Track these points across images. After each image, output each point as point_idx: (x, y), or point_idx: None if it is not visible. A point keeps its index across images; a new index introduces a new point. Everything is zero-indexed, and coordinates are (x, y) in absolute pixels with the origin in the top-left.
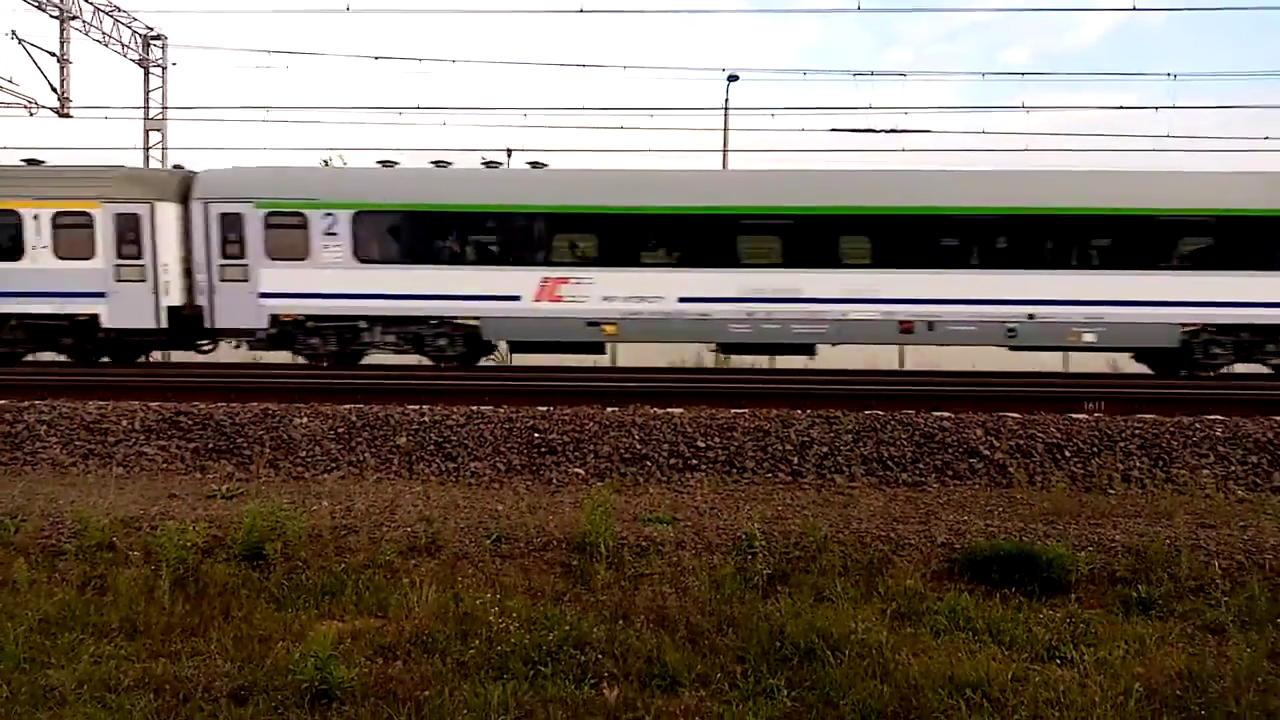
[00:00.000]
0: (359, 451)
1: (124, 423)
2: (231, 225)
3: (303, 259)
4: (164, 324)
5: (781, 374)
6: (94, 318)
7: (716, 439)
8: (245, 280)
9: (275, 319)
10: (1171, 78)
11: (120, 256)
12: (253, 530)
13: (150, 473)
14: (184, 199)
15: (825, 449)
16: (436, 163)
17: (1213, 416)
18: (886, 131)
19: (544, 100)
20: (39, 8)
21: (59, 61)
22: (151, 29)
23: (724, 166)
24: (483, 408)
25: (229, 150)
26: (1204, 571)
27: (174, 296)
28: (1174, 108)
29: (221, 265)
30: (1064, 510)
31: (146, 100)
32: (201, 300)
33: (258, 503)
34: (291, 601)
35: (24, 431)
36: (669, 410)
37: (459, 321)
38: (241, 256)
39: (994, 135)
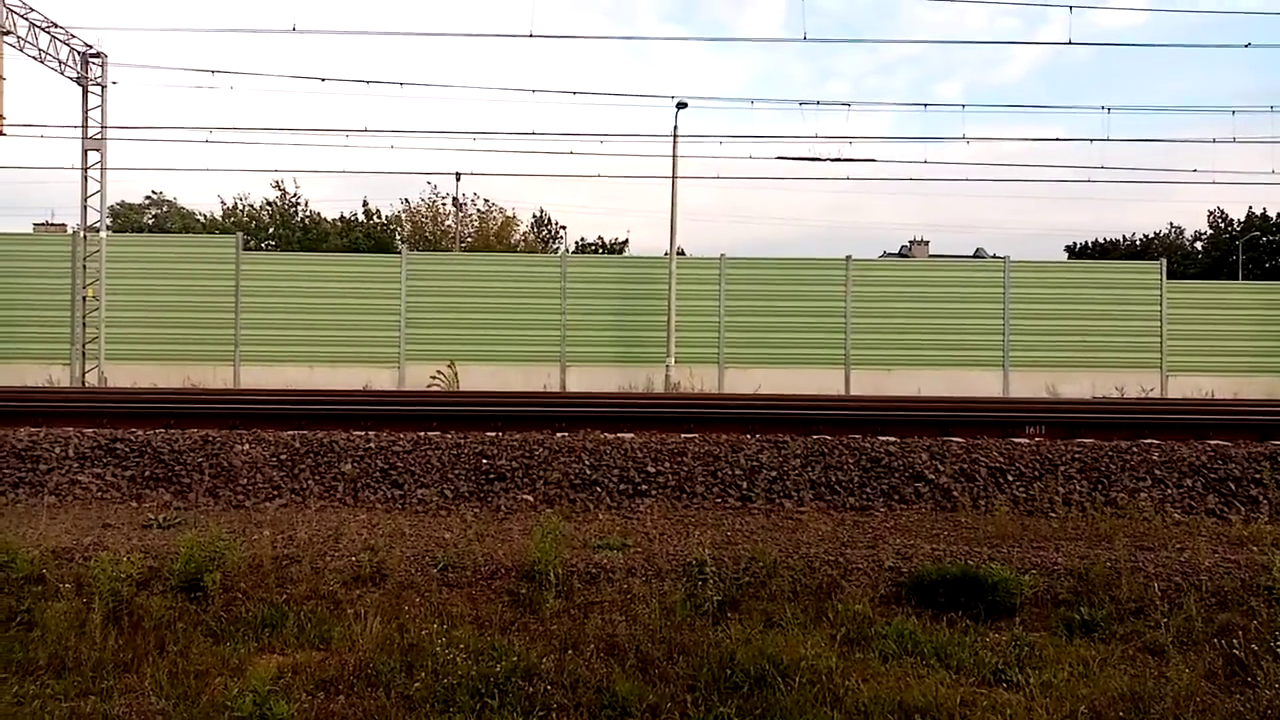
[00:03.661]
0: (302, 479)
1: (57, 450)
2: None
3: None
4: None
5: (730, 399)
6: None
7: (667, 464)
8: None
9: None
10: (1105, 110)
11: None
12: (190, 560)
13: (84, 502)
14: None
15: (774, 473)
16: None
17: (1149, 441)
18: (832, 160)
19: (493, 124)
20: None
21: None
22: (90, 46)
23: (673, 193)
24: (430, 433)
25: (171, 171)
26: (1143, 593)
27: None
28: (1107, 140)
29: None
30: (1008, 534)
31: (85, 119)
32: None
33: (196, 532)
34: (230, 634)
35: None
36: (619, 435)
37: None
38: None
39: (935, 165)
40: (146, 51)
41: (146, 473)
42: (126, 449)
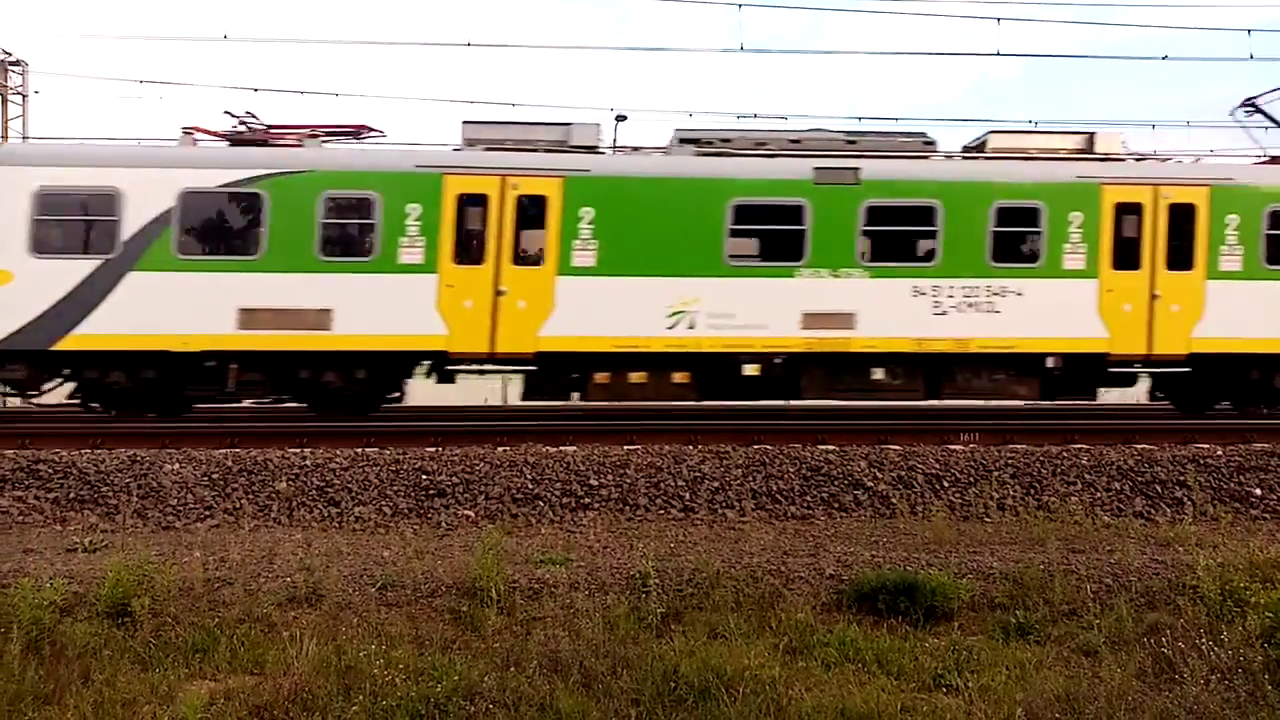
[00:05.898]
0: (235, 498)
1: None
2: None
3: None
4: None
5: (673, 410)
6: None
7: (610, 477)
8: None
9: None
10: (1033, 124)
11: None
12: (118, 585)
13: (4, 526)
14: None
15: (716, 484)
16: None
17: (1079, 446)
18: None
19: (429, 134)
20: None
21: None
22: (10, 53)
23: None
24: (368, 450)
25: None
26: (1076, 595)
27: None
28: None
29: None
30: (944, 539)
31: (4, 129)
32: None
33: (124, 555)
34: (159, 661)
35: None
36: (561, 449)
37: None
38: None
39: None
40: (71, 60)
41: (71, 494)
42: (50, 470)
